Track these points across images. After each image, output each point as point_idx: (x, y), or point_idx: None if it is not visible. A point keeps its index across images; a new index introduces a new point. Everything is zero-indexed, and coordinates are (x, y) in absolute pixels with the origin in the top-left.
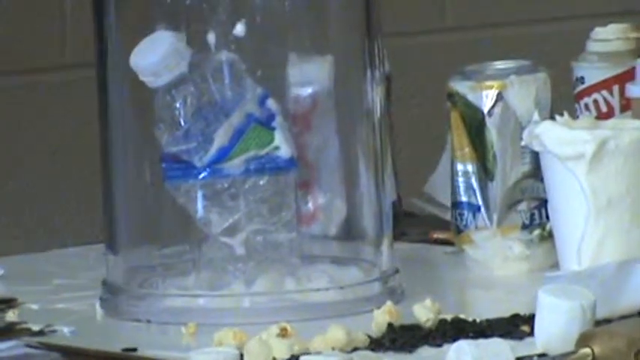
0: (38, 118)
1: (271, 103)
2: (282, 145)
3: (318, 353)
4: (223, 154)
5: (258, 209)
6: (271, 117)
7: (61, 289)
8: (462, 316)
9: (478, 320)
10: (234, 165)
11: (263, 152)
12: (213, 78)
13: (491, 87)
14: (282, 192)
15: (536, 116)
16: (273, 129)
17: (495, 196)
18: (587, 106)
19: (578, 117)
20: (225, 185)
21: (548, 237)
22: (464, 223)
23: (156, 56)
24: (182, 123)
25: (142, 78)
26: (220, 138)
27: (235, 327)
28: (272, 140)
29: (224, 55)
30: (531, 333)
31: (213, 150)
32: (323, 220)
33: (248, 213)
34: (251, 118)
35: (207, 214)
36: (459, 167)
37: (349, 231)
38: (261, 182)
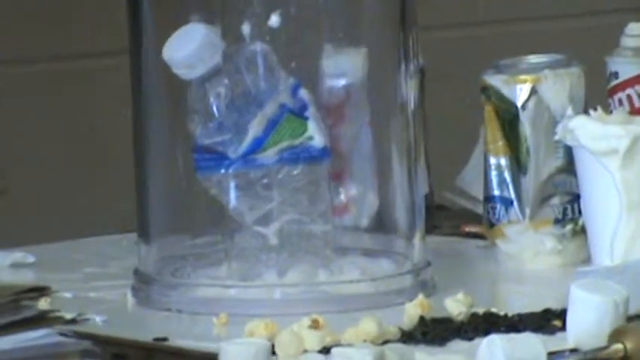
0: (72, 106)
1: (304, 93)
2: (315, 135)
3: (350, 345)
4: (257, 145)
5: (292, 199)
6: (304, 107)
7: (93, 277)
8: (493, 310)
9: (510, 314)
10: (268, 155)
11: (297, 142)
12: (247, 69)
13: (525, 81)
14: (316, 182)
15: (569, 111)
16: (307, 119)
17: (528, 190)
18: (620, 101)
19: (611, 112)
20: (259, 175)
21: (581, 232)
22: (496, 216)
23: (189, 49)
24: (216, 115)
25: (175, 70)
26: (254, 129)
27: (267, 318)
28: (305, 130)
29: (257, 46)
30: (563, 328)
31: (247, 141)
32: (355, 212)
33: (282, 203)
34: (284, 108)
35: (241, 204)
36: (492, 161)
37: (381, 223)
38: (295, 172)
